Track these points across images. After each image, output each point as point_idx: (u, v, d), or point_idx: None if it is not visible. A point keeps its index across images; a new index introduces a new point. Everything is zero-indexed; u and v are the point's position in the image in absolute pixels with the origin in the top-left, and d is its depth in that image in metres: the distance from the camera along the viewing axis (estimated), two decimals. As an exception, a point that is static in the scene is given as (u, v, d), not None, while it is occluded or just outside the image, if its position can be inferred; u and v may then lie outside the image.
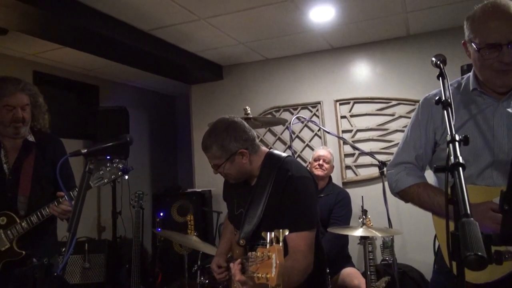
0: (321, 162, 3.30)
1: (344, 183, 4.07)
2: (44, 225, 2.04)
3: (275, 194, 1.65)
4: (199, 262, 3.09)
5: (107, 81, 5.03)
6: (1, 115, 2.03)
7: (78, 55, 3.82)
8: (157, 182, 5.59)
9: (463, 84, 1.54)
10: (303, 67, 4.42)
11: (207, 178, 4.61)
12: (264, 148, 1.81)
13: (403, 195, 1.59)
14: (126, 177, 1.86)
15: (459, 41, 1.51)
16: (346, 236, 3.12)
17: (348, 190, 3.48)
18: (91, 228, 4.58)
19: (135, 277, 3.33)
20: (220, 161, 1.68)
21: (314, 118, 4.30)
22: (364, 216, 2.84)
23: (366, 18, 3.54)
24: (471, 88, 1.49)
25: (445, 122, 1.14)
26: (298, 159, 4.20)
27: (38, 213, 1.98)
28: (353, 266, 3.20)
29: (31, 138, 2.16)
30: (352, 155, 4.14)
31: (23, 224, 1.98)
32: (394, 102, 4.03)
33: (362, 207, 2.92)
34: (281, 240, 1.21)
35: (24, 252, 1.99)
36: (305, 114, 4.32)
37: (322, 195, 3.20)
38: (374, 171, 3.96)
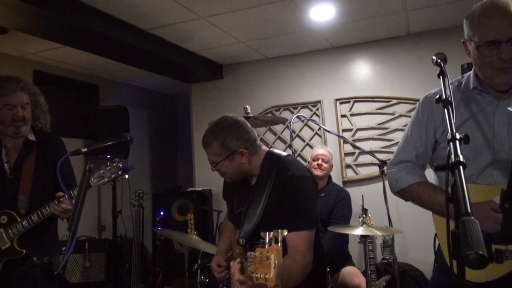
0: (320, 161, 3.28)
1: (344, 182, 4.07)
2: (45, 224, 2.05)
3: (275, 193, 1.65)
4: (199, 261, 3.09)
5: (107, 80, 5.03)
6: (2, 114, 2.04)
7: (78, 54, 3.82)
8: (157, 181, 5.59)
9: (463, 83, 1.54)
10: (303, 66, 4.42)
11: (207, 177, 4.61)
12: (264, 148, 1.80)
13: (404, 194, 1.59)
14: (126, 176, 1.87)
15: (459, 40, 1.50)
16: (346, 235, 3.12)
17: (348, 189, 3.48)
18: (91, 227, 4.58)
19: (135, 276, 3.33)
20: (219, 158, 1.68)
21: (314, 117, 4.29)
22: (364, 215, 2.84)
23: (366, 17, 3.54)
24: (471, 86, 1.49)
25: (446, 121, 1.14)
26: (299, 158, 4.20)
27: (39, 212, 1.98)
28: (353, 265, 3.20)
29: (32, 137, 2.16)
30: (352, 154, 4.14)
31: (23, 223, 1.99)
32: (394, 101, 4.02)
33: (363, 206, 2.92)
34: (280, 240, 1.21)
35: (24, 251, 1.99)
36: (305, 113, 4.31)
37: (322, 195, 3.20)
38: (374, 170, 3.96)
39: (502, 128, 1.42)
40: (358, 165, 4.12)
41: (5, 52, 3.83)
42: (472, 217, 0.85)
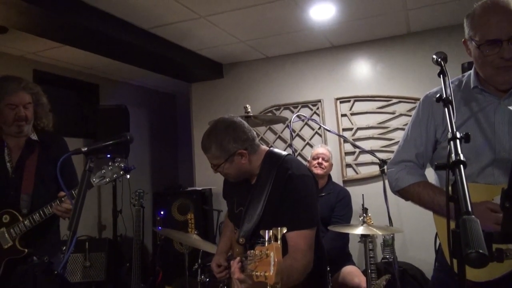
0: (320, 160, 3.29)
1: (344, 181, 4.07)
2: (47, 223, 2.05)
3: (275, 192, 1.65)
4: (199, 261, 3.09)
5: (107, 79, 5.03)
6: (4, 113, 2.05)
7: (78, 54, 3.81)
8: (157, 181, 5.59)
9: (464, 82, 1.54)
10: (303, 65, 4.42)
11: (207, 177, 4.61)
12: (264, 147, 1.80)
13: (404, 193, 1.59)
14: (128, 176, 1.87)
15: (460, 39, 1.50)
16: (347, 234, 3.12)
17: (348, 188, 3.48)
18: (91, 226, 4.58)
19: (135, 275, 3.33)
20: (219, 161, 1.68)
21: (315, 116, 4.29)
22: (364, 214, 2.83)
23: (367, 16, 3.53)
24: (472, 85, 1.48)
25: (446, 120, 1.14)
26: (299, 158, 4.20)
27: (41, 212, 1.99)
28: (353, 264, 3.20)
29: (34, 136, 2.17)
30: (353, 153, 4.14)
31: (25, 222, 1.99)
32: (394, 100, 4.02)
33: (363, 205, 2.92)
34: (279, 238, 1.21)
35: (26, 250, 1.99)
36: (305, 112, 4.31)
37: (323, 194, 3.20)
38: (375, 169, 3.96)
39: (502, 127, 1.41)
40: (358, 164, 4.12)
41: (5, 51, 3.83)
42: (473, 216, 0.84)
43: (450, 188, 0.96)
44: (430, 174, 1.60)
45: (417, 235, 3.56)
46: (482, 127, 1.43)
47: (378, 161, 3.06)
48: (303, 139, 4.34)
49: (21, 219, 2.00)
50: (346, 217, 3.18)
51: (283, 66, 4.51)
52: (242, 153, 1.67)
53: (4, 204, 2.03)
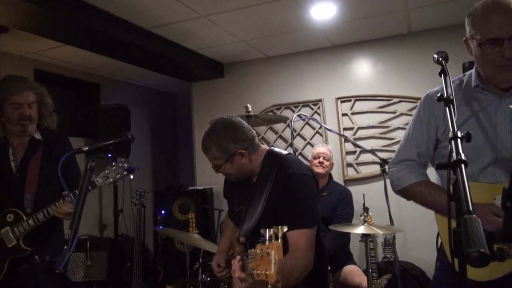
0: (321, 159, 3.29)
1: (345, 181, 4.07)
2: (51, 222, 2.05)
3: (276, 191, 1.65)
4: (200, 260, 3.09)
5: (108, 79, 5.03)
6: (9, 113, 2.06)
7: (79, 53, 3.81)
8: (158, 180, 5.59)
9: (465, 81, 1.54)
10: (304, 64, 4.42)
11: (208, 176, 4.61)
12: (264, 146, 1.80)
13: (405, 193, 1.59)
14: (132, 176, 1.87)
15: (461, 38, 1.50)
16: (348, 234, 3.12)
17: (349, 187, 3.48)
18: (93, 226, 4.59)
19: (136, 274, 3.33)
20: (220, 162, 1.69)
21: (315, 116, 4.29)
22: (365, 214, 2.84)
23: (368, 16, 3.53)
24: (473, 85, 1.48)
25: (447, 119, 1.14)
26: (300, 157, 4.19)
27: (45, 211, 1.99)
28: (354, 263, 3.21)
29: (38, 136, 2.18)
30: (354, 152, 4.14)
31: (29, 221, 2.00)
32: (395, 100, 4.02)
33: (364, 204, 2.92)
34: (280, 236, 1.21)
35: (29, 249, 2.00)
36: (306, 111, 4.31)
37: (324, 194, 3.20)
38: (376, 169, 3.95)
39: (504, 126, 1.41)
40: (359, 164, 4.12)
41: (5, 51, 3.83)
42: (474, 215, 0.84)
43: (451, 187, 0.96)
44: (431, 174, 1.60)
45: (418, 234, 3.56)
46: (483, 126, 1.43)
47: (379, 160, 3.06)
48: (304, 139, 4.34)
49: (25, 218, 2.01)
50: (348, 217, 3.18)
51: (284, 66, 4.50)
52: (242, 153, 1.67)
53: (8, 203, 2.04)
